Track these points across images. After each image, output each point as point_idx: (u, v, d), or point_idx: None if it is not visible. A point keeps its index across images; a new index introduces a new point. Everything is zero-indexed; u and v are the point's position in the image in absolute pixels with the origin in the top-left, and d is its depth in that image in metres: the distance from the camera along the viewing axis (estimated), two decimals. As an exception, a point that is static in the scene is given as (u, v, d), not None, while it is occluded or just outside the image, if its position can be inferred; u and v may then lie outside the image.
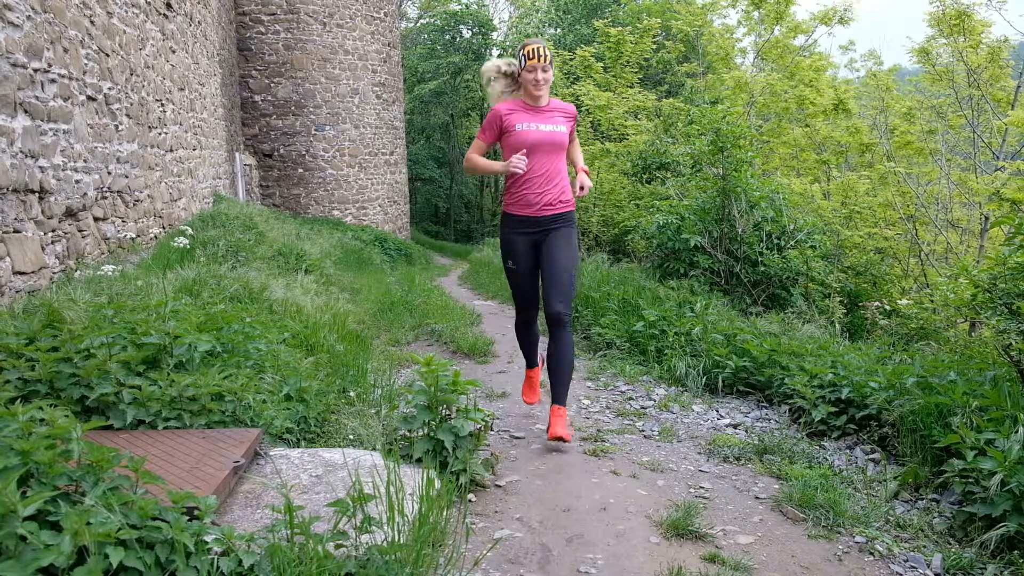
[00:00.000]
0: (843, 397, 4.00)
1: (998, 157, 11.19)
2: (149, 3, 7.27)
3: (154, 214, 7.01)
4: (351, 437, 3.21)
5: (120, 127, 6.04)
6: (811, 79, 13.88)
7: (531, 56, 3.73)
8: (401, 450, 3.05)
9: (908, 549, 2.68)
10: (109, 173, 5.68)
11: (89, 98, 5.32)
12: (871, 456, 3.63)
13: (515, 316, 4.18)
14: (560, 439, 3.61)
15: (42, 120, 4.45)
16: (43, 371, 2.67)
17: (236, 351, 3.35)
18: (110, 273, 4.25)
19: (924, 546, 2.71)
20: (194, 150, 9.31)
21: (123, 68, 6.22)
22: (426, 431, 3.03)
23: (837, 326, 6.69)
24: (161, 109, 7.54)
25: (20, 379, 2.66)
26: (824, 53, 16.19)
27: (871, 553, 2.64)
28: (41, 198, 4.41)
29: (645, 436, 3.95)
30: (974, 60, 11.20)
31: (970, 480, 2.83)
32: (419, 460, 2.92)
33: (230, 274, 5.33)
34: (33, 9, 4.34)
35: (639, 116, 13.04)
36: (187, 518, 1.81)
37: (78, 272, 4.62)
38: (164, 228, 7.34)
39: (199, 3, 10.38)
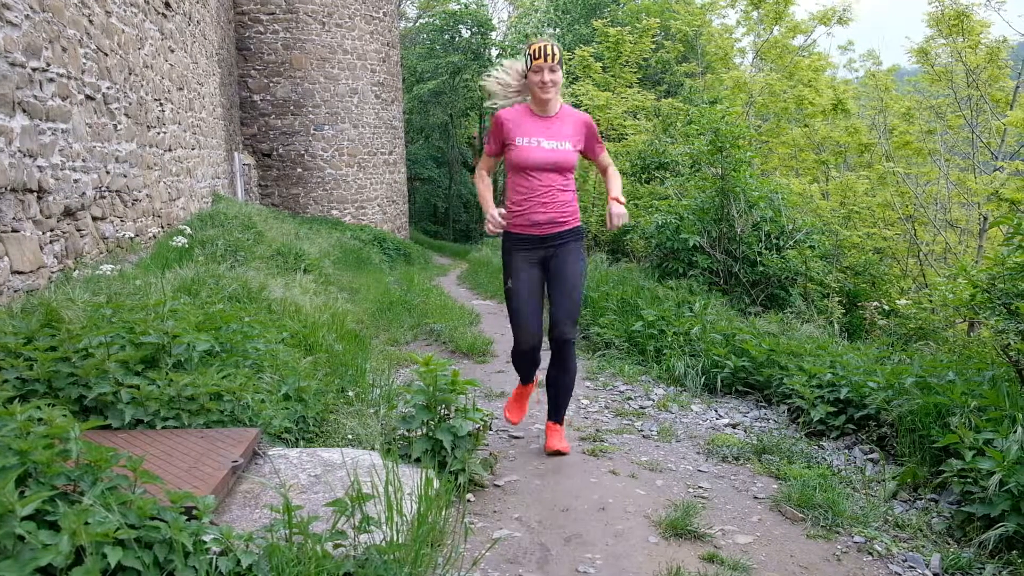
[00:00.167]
0: (842, 397, 4.00)
1: (997, 157, 11.19)
2: (148, 2, 7.26)
3: (153, 213, 7.00)
4: (350, 437, 3.21)
5: (119, 126, 6.03)
6: (810, 79, 13.88)
7: (537, 55, 3.32)
8: (400, 450, 3.05)
9: (907, 549, 2.68)
10: (108, 172, 5.67)
11: (88, 97, 5.31)
12: (870, 456, 3.63)
13: (514, 344, 3.60)
14: (558, 452, 3.52)
15: (40, 119, 4.44)
16: (41, 370, 2.67)
17: (235, 351, 3.35)
18: (108, 272, 4.25)
19: (923, 546, 2.71)
20: (193, 149, 9.31)
21: (122, 67, 6.21)
22: (425, 431, 3.03)
23: (836, 326, 6.69)
24: (160, 108, 7.54)
25: (18, 378, 2.66)
26: (823, 53, 16.20)
27: (870, 553, 2.64)
28: (39, 197, 4.41)
29: (644, 436, 3.95)
30: (973, 60, 11.21)
31: (969, 480, 2.83)
32: (418, 460, 2.92)
33: (229, 273, 5.32)
34: (31, 8, 4.33)
35: (638, 116, 13.05)
36: (185, 518, 1.81)
37: (76, 271, 4.62)
38: (163, 228, 7.34)
39: (198, 2, 10.37)
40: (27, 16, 4.26)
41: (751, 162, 7.93)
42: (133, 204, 6.34)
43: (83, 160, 5.14)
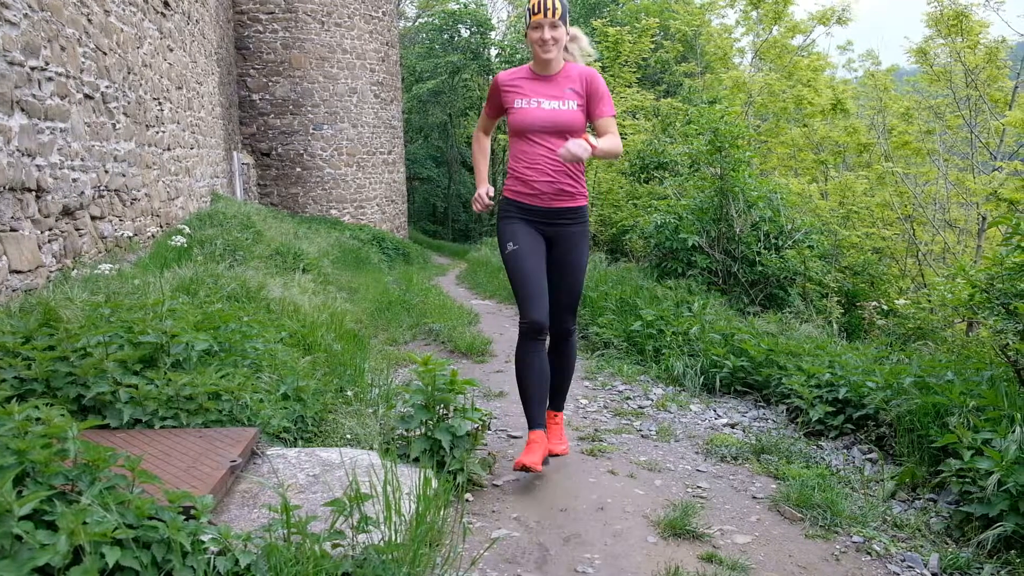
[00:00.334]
0: (840, 397, 4.00)
1: (995, 157, 11.20)
2: (147, 1, 7.26)
3: (151, 213, 7.00)
4: (348, 436, 3.21)
5: (117, 126, 6.03)
6: (809, 79, 13.88)
7: (536, 9, 2.98)
8: (398, 449, 3.05)
9: (905, 549, 2.68)
10: (106, 172, 5.66)
11: (86, 96, 5.31)
12: (868, 456, 3.63)
13: (519, 329, 3.15)
14: (556, 454, 3.30)
15: (39, 118, 4.44)
16: (39, 370, 2.67)
17: (233, 350, 3.34)
18: (107, 272, 4.24)
19: (921, 546, 2.71)
20: (192, 149, 9.30)
21: (121, 66, 6.20)
22: (423, 431, 3.02)
23: (835, 326, 6.69)
24: (159, 108, 7.53)
25: (16, 378, 2.65)
26: (822, 53, 16.20)
27: (868, 553, 2.64)
28: (38, 197, 4.40)
29: (643, 436, 3.95)
30: (972, 60, 11.21)
31: (967, 480, 2.83)
32: (416, 460, 2.92)
33: (227, 273, 5.32)
34: (30, 7, 4.33)
35: (637, 116, 13.05)
36: (183, 517, 1.80)
37: (75, 271, 4.61)
38: (161, 227, 7.33)
39: (197, 2, 10.36)
40: (26, 15, 4.26)
41: (750, 162, 7.93)
42: (132, 203, 6.34)
43: (82, 159, 5.14)
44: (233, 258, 6.75)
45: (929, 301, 6.95)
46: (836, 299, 7.74)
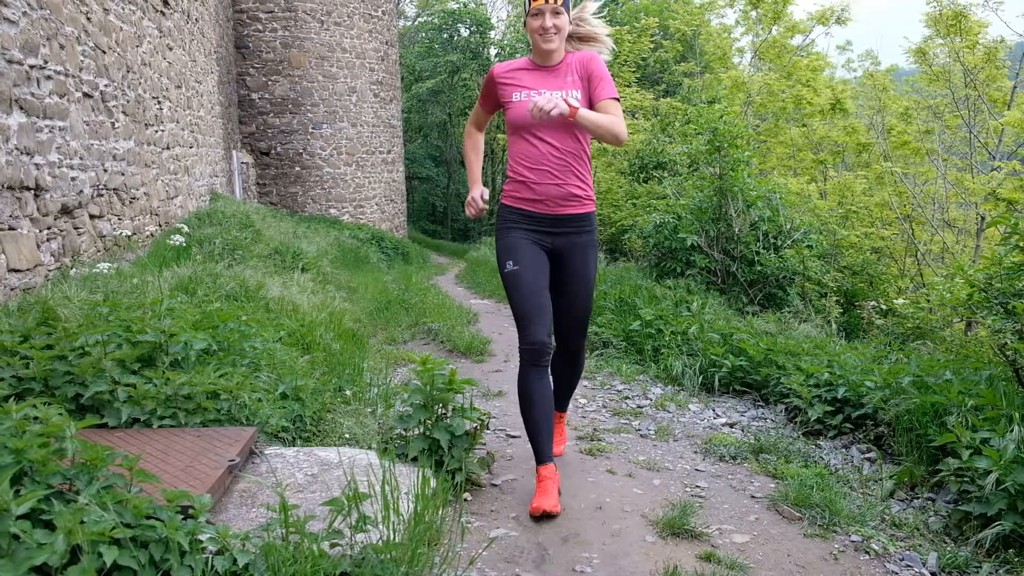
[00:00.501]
0: (839, 396, 4.00)
1: (994, 157, 11.21)
2: (146, 0, 7.25)
3: (150, 212, 6.99)
4: (347, 436, 3.20)
5: (116, 124, 6.02)
6: (808, 79, 13.89)
7: None
8: (397, 449, 3.05)
9: (904, 548, 2.68)
10: (105, 170, 5.66)
11: (85, 95, 5.30)
12: (867, 455, 3.63)
13: (520, 354, 2.89)
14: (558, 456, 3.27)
15: (38, 117, 4.43)
16: (37, 369, 2.66)
17: (232, 349, 3.34)
18: (106, 271, 4.24)
19: (920, 545, 2.71)
20: (191, 148, 9.29)
21: (120, 65, 6.20)
22: (422, 430, 3.02)
23: (833, 325, 6.70)
24: (158, 106, 7.53)
25: (14, 377, 2.65)
26: (821, 53, 16.22)
27: (867, 552, 2.64)
28: (36, 195, 4.40)
29: (641, 435, 3.95)
30: (971, 60, 11.22)
31: (965, 479, 2.83)
32: (415, 459, 2.92)
33: (226, 272, 5.32)
34: (29, 5, 4.32)
35: (636, 115, 13.05)
36: (182, 517, 1.80)
37: (74, 270, 4.61)
38: (160, 226, 7.33)
39: (196, 0, 10.35)
40: (25, 13, 4.25)
41: (749, 162, 7.93)
42: (131, 202, 6.33)
43: (80, 158, 5.13)
44: (232, 257, 6.75)
45: (928, 301, 6.96)
46: (835, 299, 7.75)
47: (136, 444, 2.46)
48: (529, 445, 3.04)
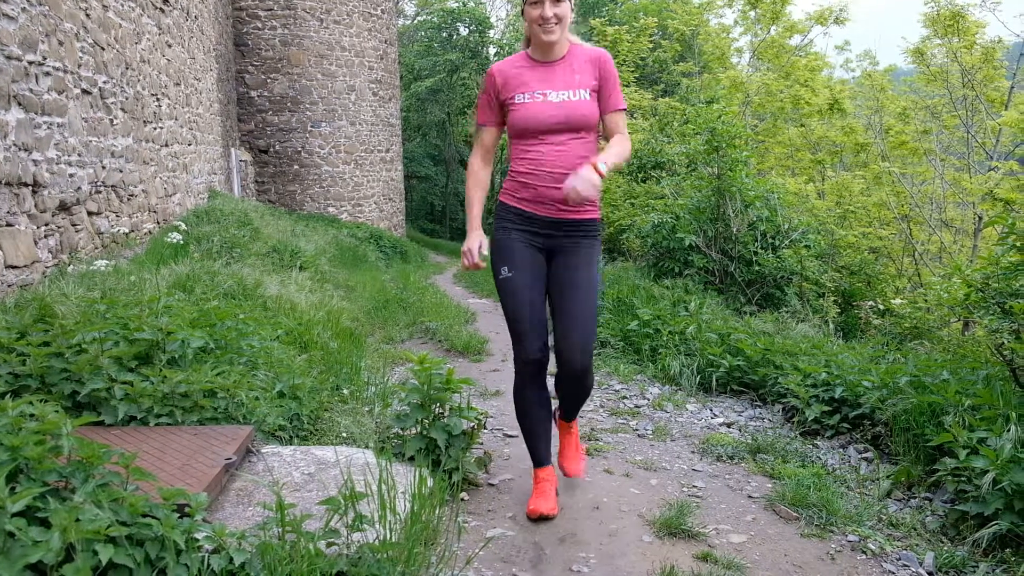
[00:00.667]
0: (836, 396, 4.00)
1: (992, 157, 11.21)
2: (144, -3, 7.24)
3: (148, 209, 6.98)
4: (344, 435, 3.20)
5: (115, 121, 6.01)
6: (806, 79, 13.89)
7: None
8: (394, 448, 3.05)
9: (901, 548, 2.68)
10: (103, 167, 5.65)
11: (84, 91, 5.29)
12: (864, 455, 3.63)
13: (515, 367, 2.79)
14: (572, 477, 2.97)
15: (36, 113, 4.42)
16: (34, 366, 2.66)
17: (229, 348, 3.34)
18: (103, 268, 4.23)
19: (917, 544, 2.71)
20: (189, 145, 9.28)
21: (118, 62, 6.19)
22: (419, 429, 3.02)
23: (831, 325, 6.70)
24: (156, 104, 7.51)
25: (11, 374, 2.64)
26: (820, 53, 16.24)
27: (864, 552, 2.64)
28: (34, 191, 4.39)
29: (639, 435, 3.95)
30: (968, 61, 11.23)
31: (962, 479, 2.83)
32: (412, 458, 2.92)
33: (224, 270, 5.31)
34: (28, 1, 4.32)
35: (635, 115, 13.05)
36: (178, 515, 1.80)
37: (71, 267, 4.60)
38: (158, 223, 7.32)
39: (194, -2, 10.34)
40: (24, 9, 4.24)
41: (747, 162, 7.93)
42: (129, 199, 6.32)
43: (79, 154, 5.12)
44: (230, 255, 6.74)
45: (925, 300, 6.96)
46: (832, 299, 7.74)
47: (132, 442, 2.46)
48: (525, 446, 2.99)
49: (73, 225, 5.02)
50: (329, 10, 16.29)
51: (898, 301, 8.47)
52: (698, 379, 4.89)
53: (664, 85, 18.41)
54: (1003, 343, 3.82)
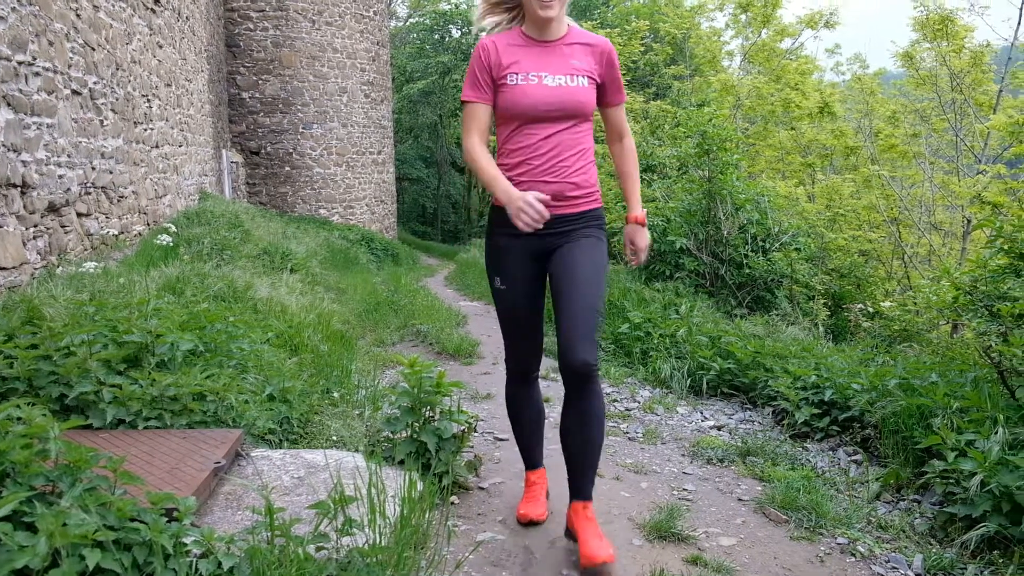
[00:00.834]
0: (826, 399, 4.02)
1: (980, 160, 11.30)
2: (134, -2, 7.21)
3: (138, 211, 6.95)
4: (334, 438, 3.19)
5: (105, 122, 5.98)
6: (797, 82, 13.98)
7: None
8: (384, 452, 3.04)
9: (890, 550, 2.70)
10: (93, 168, 5.62)
11: (74, 92, 5.27)
12: (853, 458, 3.65)
13: (507, 371, 2.75)
14: (603, 564, 2.28)
15: (25, 113, 4.40)
16: (21, 369, 2.64)
17: (219, 350, 3.32)
18: (92, 270, 4.21)
19: (905, 547, 2.72)
20: (180, 146, 9.25)
21: (109, 62, 6.16)
22: (409, 433, 3.01)
23: (821, 328, 6.73)
24: (147, 104, 7.48)
25: (-2, 377, 2.63)
26: (810, 56, 16.33)
27: (853, 554, 2.65)
28: (23, 192, 4.36)
29: (629, 438, 3.95)
30: (957, 64, 11.32)
31: (951, 481, 2.85)
32: (402, 462, 2.91)
33: (214, 272, 5.29)
34: (18, 1, 4.29)
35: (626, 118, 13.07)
36: (166, 519, 1.79)
37: (60, 268, 4.57)
38: (148, 225, 7.28)
39: (185, -1, 10.30)
40: (13, 9, 4.22)
41: (738, 165, 7.97)
42: (119, 201, 6.29)
43: (68, 155, 5.10)
44: (220, 257, 6.71)
45: (914, 303, 7.00)
46: (822, 301, 7.78)
47: (121, 445, 2.44)
48: (516, 449, 2.95)
49: (62, 226, 4.99)
50: (321, 11, 16.26)
51: (887, 304, 8.52)
52: (689, 382, 4.90)
53: (655, 88, 18.47)
54: (991, 346, 3.84)
